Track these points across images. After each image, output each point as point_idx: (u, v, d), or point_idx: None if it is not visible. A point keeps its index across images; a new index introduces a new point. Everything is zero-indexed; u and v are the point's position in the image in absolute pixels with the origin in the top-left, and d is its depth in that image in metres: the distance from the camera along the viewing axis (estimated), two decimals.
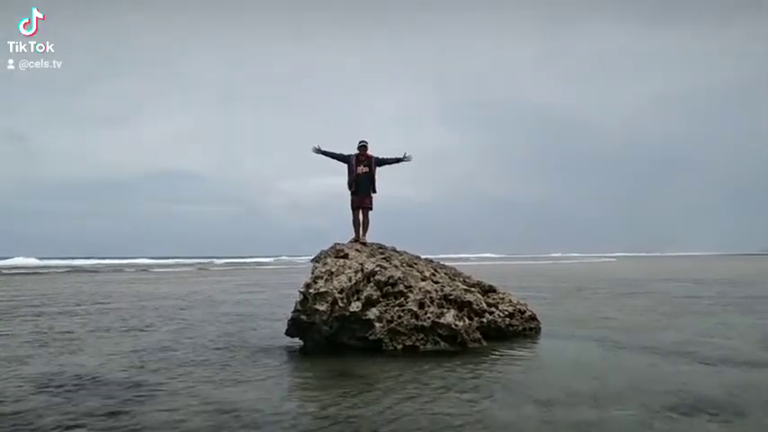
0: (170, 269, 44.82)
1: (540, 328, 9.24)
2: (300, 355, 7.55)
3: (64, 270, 41.96)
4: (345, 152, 10.22)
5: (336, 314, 7.64)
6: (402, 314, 7.85)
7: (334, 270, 8.09)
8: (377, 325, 7.71)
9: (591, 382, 5.87)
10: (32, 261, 57.79)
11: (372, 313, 7.80)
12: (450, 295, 8.38)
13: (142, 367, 6.78)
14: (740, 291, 17.97)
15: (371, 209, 10.32)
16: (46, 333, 9.53)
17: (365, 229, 10.30)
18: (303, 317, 7.65)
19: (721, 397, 5.25)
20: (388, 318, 7.82)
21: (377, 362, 6.97)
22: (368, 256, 8.88)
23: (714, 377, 6.12)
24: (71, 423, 4.62)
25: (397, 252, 9.79)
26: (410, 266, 9.16)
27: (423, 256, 10.12)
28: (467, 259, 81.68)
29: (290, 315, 8.01)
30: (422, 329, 7.76)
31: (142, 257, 72.21)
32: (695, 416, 4.71)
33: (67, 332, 9.59)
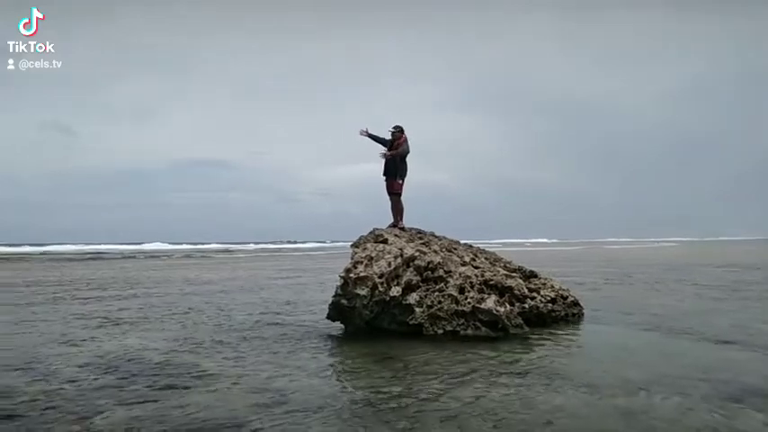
0: (206, 255, 45.74)
1: (583, 314, 9.12)
2: (342, 339, 7.64)
3: (108, 256, 43.25)
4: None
5: (377, 299, 7.69)
6: (442, 299, 7.84)
7: (373, 255, 8.12)
8: (417, 310, 7.73)
9: (636, 368, 5.78)
10: (72, 248, 59.73)
11: (412, 298, 7.82)
12: (491, 280, 8.32)
13: (189, 351, 6.95)
14: None
15: (397, 194, 10.24)
16: (105, 316, 9.84)
17: (400, 215, 10.27)
18: (344, 301, 7.73)
19: None
20: (429, 303, 7.82)
21: (418, 346, 6.99)
22: (407, 242, 8.88)
23: (764, 365, 5.95)
24: (126, 402, 4.78)
25: (436, 237, 9.76)
26: (449, 252, 9.13)
27: (462, 241, 10.07)
28: (521, 245, 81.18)
29: (330, 299, 8.11)
30: (462, 315, 7.74)
31: (179, 244, 73.70)
32: (743, 405, 4.59)
33: (125, 314, 9.90)
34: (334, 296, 7.93)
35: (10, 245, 62.49)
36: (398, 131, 10.22)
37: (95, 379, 5.54)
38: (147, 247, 65.74)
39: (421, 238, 9.33)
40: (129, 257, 40.46)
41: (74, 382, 5.43)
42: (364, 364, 6.26)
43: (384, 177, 10.08)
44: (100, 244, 68.99)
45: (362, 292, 7.62)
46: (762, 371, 5.68)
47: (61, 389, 5.18)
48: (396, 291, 7.78)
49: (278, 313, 9.97)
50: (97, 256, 41.66)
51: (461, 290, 8.00)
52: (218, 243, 78.44)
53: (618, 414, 4.37)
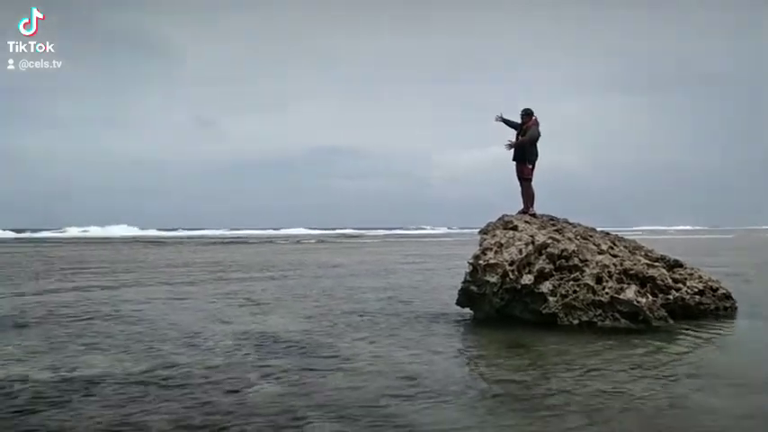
0: (337, 241, 47.50)
1: (736, 308, 8.34)
2: (472, 326, 7.62)
3: (252, 240, 46.38)
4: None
5: (507, 286, 7.56)
6: (578, 289, 7.54)
7: (503, 242, 7.98)
8: (550, 299, 7.49)
9: None
10: (218, 232, 64.61)
11: (545, 287, 7.59)
12: (631, 270, 7.85)
13: (325, 332, 7.28)
14: None
15: (528, 179, 9.90)
16: (248, 297, 10.62)
17: (531, 201, 9.95)
18: (473, 287, 7.68)
19: None
20: (563, 292, 7.55)
21: (552, 336, 6.79)
22: (538, 228, 8.62)
23: None
24: (271, 378, 5.11)
25: (570, 224, 9.37)
26: (585, 239, 8.72)
27: (599, 229, 9.59)
28: (663, 232, 76.21)
29: (459, 285, 8.10)
30: (600, 305, 7.39)
31: (308, 228, 77.02)
32: None
33: (265, 295, 10.61)
34: (463, 282, 7.91)
35: (168, 229, 68.76)
36: (527, 115, 9.90)
37: (244, 355, 5.97)
38: (285, 232, 69.57)
39: (553, 225, 9.00)
40: (267, 242, 43.11)
41: (224, 356, 5.90)
42: (496, 351, 6.20)
43: (514, 162, 9.84)
44: (243, 229, 74.04)
45: (492, 279, 7.52)
46: None
47: (214, 362, 5.65)
48: (527, 279, 7.59)
49: (406, 298, 10.14)
50: (241, 241, 44.84)
51: (598, 279, 7.63)
52: (351, 228, 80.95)
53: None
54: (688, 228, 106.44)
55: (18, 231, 59.26)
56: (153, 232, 62.92)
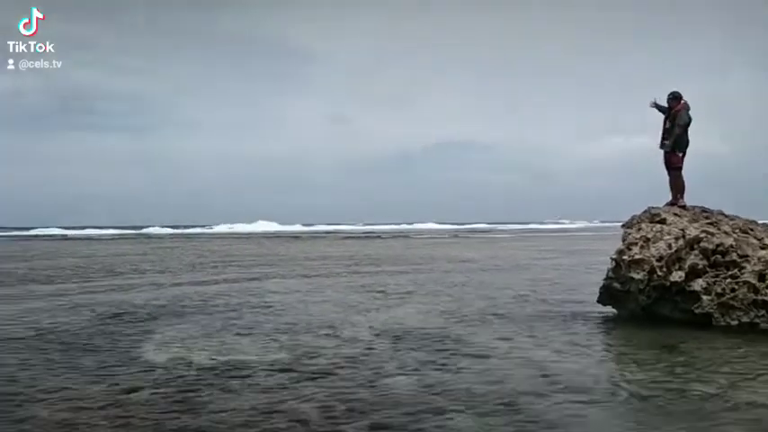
0: (468, 235, 47.21)
1: None
2: (616, 324, 7.25)
3: (386, 235, 47.56)
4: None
5: (654, 283, 7.09)
6: (736, 287, 6.88)
7: (650, 236, 7.48)
8: (704, 297, 6.91)
9: None
10: (351, 227, 66.81)
11: (698, 284, 7.02)
12: None
13: (460, 325, 7.29)
14: None
15: (678, 168, 9.12)
16: (382, 290, 10.94)
17: (680, 192, 9.20)
18: (616, 285, 7.30)
19: None
20: (718, 290, 6.93)
21: (704, 338, 6.28)
22: (690, 221, 7.97)
23: None
24: (409, 369, 5.22)
25: (726, 217, 8.55)
26: (744, 233, 7.92)
27: (761, 222, 8.67)
28: None
29: (600, 282, 7.73)
30: (763, 305, 6.70)
31: (440, 223, 77.16)
32: None
33: (399, 288, 10.87)
34: (605, 279, 7.54)
35: (306, 224, 72.29)
36: (675, 98, 9.16)
37: (381, 346, 6.15)
38: (417, 226, 70.46)
39: (707, 218, 8.27)
40: (400, 236, 43.94)
41: (363, 347, 6.11)
42: (642, 352, 5.84)
43: (662, 150, 9.16)
44: (376, 224, 75.98)
45: (638, 275, 7.09)
46: None
47: (353, 353, 5.87)
48: (678, 276, 7.06)
49: (542, 294, 9.86)
50: (374, 235, 46.14)
51: (761, 277, 6.92)
52: (484, 223, 80.00)
53: None
54: None
55: (173, 227, 65.34)
56: (292, 227, 66.45)
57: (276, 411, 4.17)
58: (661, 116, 9.13)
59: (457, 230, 59.53)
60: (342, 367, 5.31)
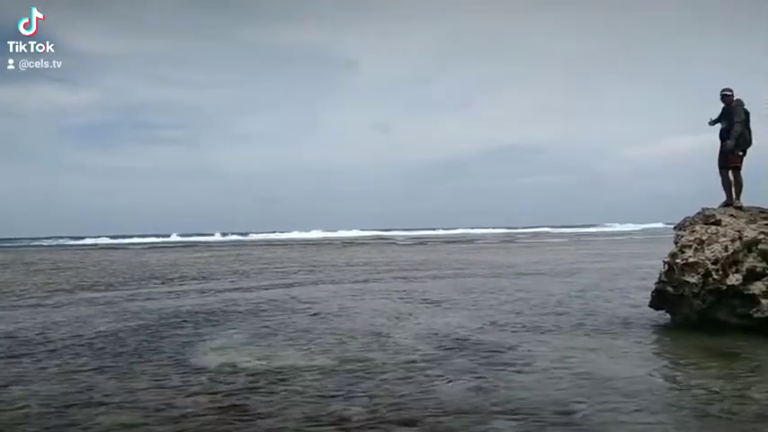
0: (515, 239, 46.56)
1: None
2: (669, 329, 7.04)
3: (431, 241, 47.44)
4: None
5: (710, 287, 6.84)
6: None
7: (704, 238, 7.23)
8: (763, 302, 6.64)
9: None
10: (402, 233, 66.82)
11: (757, 288, 6.74)
12: None
13: (505, 331, 7.21)
14: None
15: (739, 167, 8.80)
16: (426, 295, 10.93)
17: (738, 191, 8.87)
18: (669, 288, 7.08)
19: None
20: None
21: (765, 344, 6.02)
22: (746, 222, 7.66)
23: None
24: (452, 375, 5.21)
25: None
26: None
27: None
28: None
29: (652, 287, 7.53)
30: None
31: (488, 228, 76.33)
32: None
33: (437, 294, 10.84)
34: (657, 283, 7.33)
35: (348, 229, 72.74)
36: (727, 96, 8.84)
37: (427, 351, 6.15)
38: (462, 231, 69.98)
39: (765, 219, 7.95)
40: (447, 242, 43.73)
41: (409, 352, 6.12)
42: (697, 357, 5.66)
43: (725, 150, 8.86)
44: (422, 229, 75.79)
45: (692, 279, 6.86)
46: None
47: (400, 358, 5.88)
48: (735, 279, 6.80)
49: (591, 299, 9.64)
50: (423, 241, 46.05)
51: None
52: (533, 227, 78.73)
53: None
54: None
55: (223, 234, 67.06)
56: (348, 233, 67.05)
57: (326, 415, 4.23)
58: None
59: (505, 234, 58.83)
60: (389, 372, 5.33)
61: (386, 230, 70.85)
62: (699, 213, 8.20)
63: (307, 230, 68.93)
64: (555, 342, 6.47)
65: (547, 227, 76.10)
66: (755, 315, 6.64)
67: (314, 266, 18.82)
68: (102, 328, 7.92)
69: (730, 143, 8.68)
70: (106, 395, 4.81)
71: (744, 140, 8.67)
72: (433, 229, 75.84)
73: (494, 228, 76.66)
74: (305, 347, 6.49)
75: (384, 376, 5.20)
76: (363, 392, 4.74)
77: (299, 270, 17.51)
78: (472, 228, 76.11)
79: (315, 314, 8.80)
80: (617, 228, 72.15)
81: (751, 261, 6.97)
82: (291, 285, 13.15)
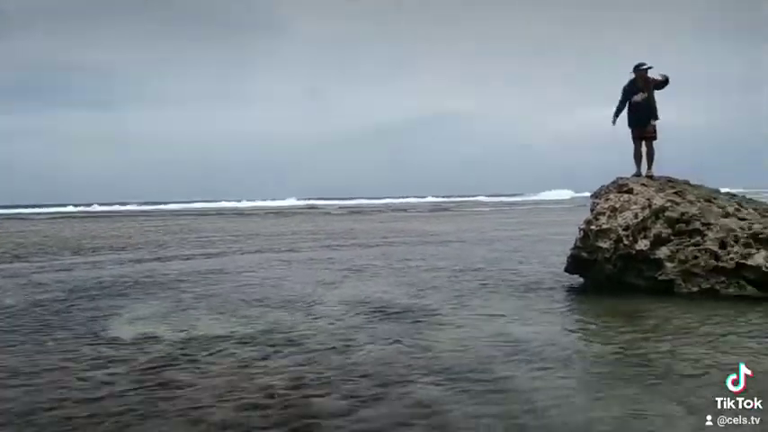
0: (445, 208, 47.42)
1: None
2: (582, 292, 7.40)
3: (366, 209, 47.51)
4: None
5: (621, 252, 7.24)
6: (698, 254, 7.06)
7: (617, 206, 7.62)
8: (667, 265, 7.09)
9: None
10: (336, 202, 66.51)
11: (662, 252, 7.19)
12: (761, 234, 7.21)
13: (426, 297, 7.36)
14: None
15: (655, 138, 9.27)
16: (351, 263, 10.96)
17: (650, 162, 9.35)
18: (584, 254, 7.43)
19: None
20: (681, 258, 7.11)
21: (667, 304, 6.45)
22: (656, 191, 8.11)
23: None
24: (374, 339, 5.28)
25: (692, 186, 8.73)
26: (708, 202, 8.10)
27: (724, 190, 8.88)
28: None
29: (567, 252, 7.87)
30: (723, 271, 6.89)
31: (417, 197, 77.20)
32: None
33: (367, 262, 10.90)
34: (573, 248, 7.67)
35: (282, 199, 71.48)
36: (642, 69, 9.20)
37: (351, 318, 6.21)
38: (397, 201, 70.39)
39: (673, 188, 8.44)
40: (382, 211, 43.94)
41: (333, 319, 6.16)
42: (607, 319, 5.99)
43: (629, 124, 9.27)
44: (357, 198, 75.54)
45: (605, 244, 7.23)
46: None
47: (324, 325, 5.92)
48: (643, 244, 7.22)
49: (511, 265, 9.98)
50: (357, 210, 46.03)
51: (722, 244, 7.10)
52: (468, 196, 79.88)
53: None
54: None
55: (140, 204, 64.50)
56: (271, 203, 65.86)
57: (249, 382, 4.20)
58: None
59: (434, 203, 59.74)
60: (312, 339, 5.34)
61: (320, 200, 70.29)
62: (613, 182, 8.60)
63: (238, 200, 67.42)
64: (475, 305, 6.67)
65: (482, 195, 77.75)
66: (660, 278, 7.09)
67: (239, 236, 18.49)
68: (7, 302, 7.48)
69: (654, 122, 9.12)
70: (12, 375, 4.56)
71: (651, 112, 9.12)
72: (369, 199, 75.89)
73: (430, 196, 77.58)
74: (226, 317, 6.39)
75: (307, 344, 5.20)
76: (285, 359, 4.74)
77: (224, 240, 17.16)
78: (407, 197, 76.73)
79: (237, 284, 8.66)
80: (548, 196, 74.33)
81: (658, 227, 7.41)
82: (215, 255, 12.87)
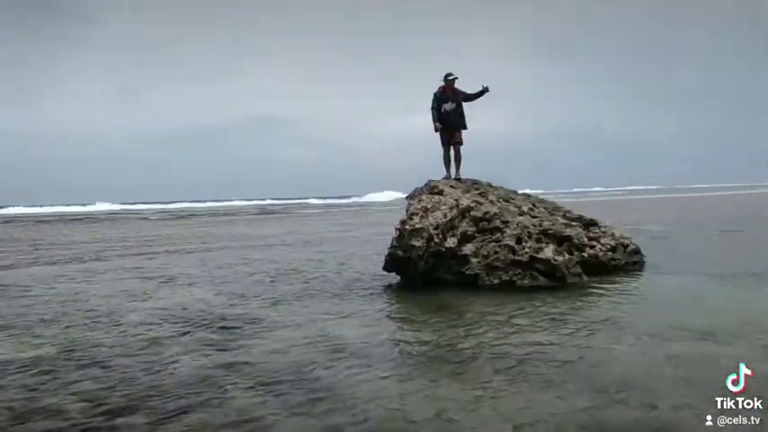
0: (274, 212, 46.85)
1: (644, 263, 8.86)
2: (398, 289, 7.75)
3: (192, 213, 44.98)
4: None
5: (432, 250, 7.72)
6: (498, 249, 7.78)
7: (429, 206, 8.12)
8: (473, 260, 7.71)
9: (697, 316, 5.58)
10: (148, 207, 62.20)
11: (468, 249, 7.80)
12: (550, 230, 8.17)
13: (248, 303, 7.21)
14: None
15: (462, 143, 10.08)
16: (165, 273, 10.33)
17: (458, 165, 10.13)
18: (399, 252, 7.80)
19: None
20: (484, 253, 7.78)
21: (473, 296, 7.02)
22: (463, 192, 8.81)
23: None
24: (190, 351, 5.04)
25: (493, 188, 9.62)
26: (507, 202, 9.00)
27: (521, 191, 9.89)
28: (603, 193, 79.04)
29: (386, 251, 8.21)
30: (519, 264, 7.67)
31: (246, 200, 75.40)
32: None
33: (186, 270, 10.36)
34: (390, 247, 8.02)
35: (83, 204, 65.36)
36: (451, 80, 9.93)
37: (164, 330, 5.85)
38: (218, 204, 67.72)
39: (477, 189, 9.22)
40: (203, 214, 41.95)
41: (143, 333, 5.76)
42: (420, 312, 6.34)
43: (440, 129, 9.94)
44: (181, 202, 71.37)
45: (418, 243, 7.66)
46: None
47: (133, 340, 5.50)
48: (451, 242, 7.77)
49: (334, 265, 10.16)
50: (177, 214, 43.40)
51: (518, 240, 7.91)
52: (276, 199, 79.29)
53: (674, 362, 4.25)
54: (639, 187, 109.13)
55: None
56: (80, 208, 59.67)
57: (39, 409, 3.75)
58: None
59: (264, 206, 58.64)
60: (119, 356, 4.94)
61: (139, 204, 65.50)
62: (426, 184, 9.17)
63: (39, 205, 60.18)
64: (296, 309, 6.67)
65: (312, 198, 77.82)
66: (467, 272, 7.69)
67: (37, 245, 16.52)
68: None
69: (462, 131, 9.88)
70: None
71: (461, 120, 9.90)
72: (192, 202, 72.30)
73: (257, 200, 75.89)
74: (18, 338, 5.67)
75: (112, 362, 4.79)
76: (86, 380, 4.32)
77: (18, 250, 15.22)
78: (232, 200, 74.40)
79: (30, 300, 7.72)
80: (375, 198, 76.48)
81: (464, 226, 8.03)
82: (3, 268, 11.35)
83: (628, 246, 8.88)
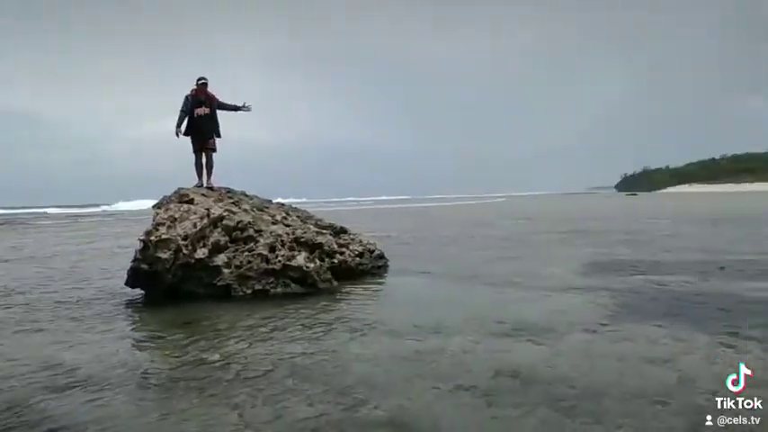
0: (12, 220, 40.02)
1: (387, 266, 9.61)
2: (142, 306, 7.19)
3: None
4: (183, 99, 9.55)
5: (181, 262, 7.34)
6: (252, 259, 7.73)
7: (177, 216, 7.71)
8: (225, 271, 7.54)
9: (433, 313, 6.23)
10: None
11: (220, 259, 7.61)
12: (302, 238, 8.38)
13: None
14: (563, 226, 20.02)
15: (215, 150, 9.85)
16: None
17: (210, 173, 9.85)
18: (144, 266, 7.26)
19: (539, 319, 5.84)
20: (237, 263, 7.67)
21: (225, 308, 6.85)
22: (215, 201, 8.57)
23: (536, 303, 6.79)
24: None
25: (247, 196, 9.55)
26: (260, 211, 9.00)
27: (276, 200, 9.97)
28: (360, 203, 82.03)
29: (129, 265, 7.58)
30: (272, 273, 7.71)
31: None
32: (516, 336, 5.22)
33: None
34: (132, 261, 7.42)
35: None
36: (203, 84, 9.63)
37: None
38: None
39: (231, 198, 9.05)
40: None
41: None
42: (165, 329, 5.97)
43: (190, 134, 9.57)
44: None
45: (165, 255, 7.21)
46: (535, 308, 6.48)
47: None
48: (202, 252, 7.49)
49: (69, 284, 9.05)
50: None
51: (272, 248, 7.95)
52: (19, 209, 67.92)
53: (417, 356, 4.69)
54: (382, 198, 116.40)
55: None
56: None
57: None
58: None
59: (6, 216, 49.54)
60: None
61: None
62: (175, 192, 8.71)
63: None
64: (18, 332, 5.80)
65: (51, 207, 67.95)
66: (219, 283, 7.48)
67: None
68: None
69: (216, 139, 9.64)
70: None
71: (214, 127, 9.68)
72: None
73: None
74: None
75: None
76: None
77: None
78: None
79: None
80: (126, 206, 69.80)
81: (216, 236, 7.81)
82: None
83: (374, 251, 9.55)
